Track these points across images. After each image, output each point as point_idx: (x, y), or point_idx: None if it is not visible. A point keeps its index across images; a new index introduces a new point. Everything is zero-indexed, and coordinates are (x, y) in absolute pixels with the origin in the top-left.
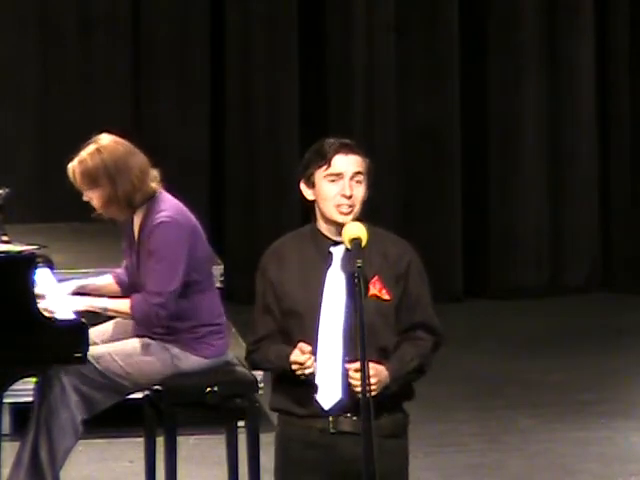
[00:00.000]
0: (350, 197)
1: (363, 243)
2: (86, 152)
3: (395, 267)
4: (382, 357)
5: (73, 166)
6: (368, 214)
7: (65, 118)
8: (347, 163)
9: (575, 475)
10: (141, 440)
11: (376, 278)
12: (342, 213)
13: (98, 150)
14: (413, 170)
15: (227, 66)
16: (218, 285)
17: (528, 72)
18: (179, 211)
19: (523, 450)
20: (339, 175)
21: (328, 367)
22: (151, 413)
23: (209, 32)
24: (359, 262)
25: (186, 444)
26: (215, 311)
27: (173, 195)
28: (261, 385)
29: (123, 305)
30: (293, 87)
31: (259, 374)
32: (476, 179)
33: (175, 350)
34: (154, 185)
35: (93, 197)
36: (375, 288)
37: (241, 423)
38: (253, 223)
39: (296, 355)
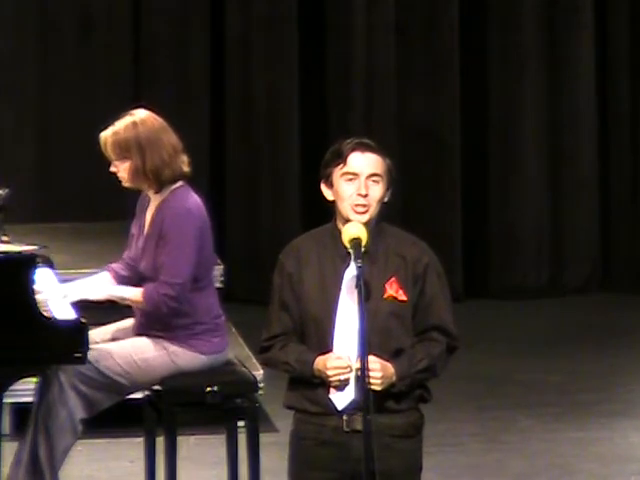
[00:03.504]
0: (366, 196)
1: (363, 243)
2: (121, 123)
3: (413, 268)
4: (396, 358)
5: (106, 136)
6: None
7: (65, 118)
8: (363, 162)
9: (575, 475)
10: (141, 440)
11: (393, 279)
12: (357, 212)
13: (134, 123)
14: (413, 170)
15: (227, 66)
16: (218, 285)
17: (528, 72)
18: (197, 206)
19: (523, 450)
20: (355, 174)
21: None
22: (151, 413)
23: (209, 32)
24: (359, 262)
25: (186, 444)
26: (213, 310)
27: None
28: (261, 385)
29: (137, 294)
30: (293, 87)
31: (259, 374)
32: (476, 179)
33: (173, 347)
34: (184, 167)
35: (121, 169)
36: (392, 289)
37: (241, 423)
38: (253, 223)
39: (336, 362)
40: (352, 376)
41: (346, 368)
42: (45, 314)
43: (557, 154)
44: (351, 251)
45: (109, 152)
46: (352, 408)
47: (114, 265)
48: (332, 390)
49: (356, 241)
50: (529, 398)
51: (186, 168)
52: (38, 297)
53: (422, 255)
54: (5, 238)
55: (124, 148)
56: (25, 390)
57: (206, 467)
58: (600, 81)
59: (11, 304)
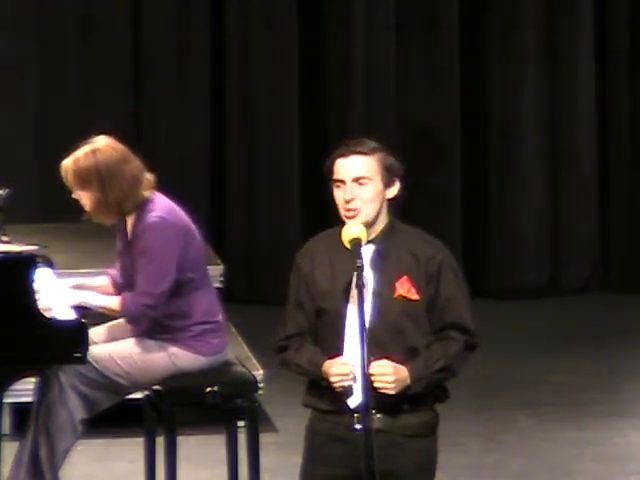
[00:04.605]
0: (350, 201)
1: (363, 243)
2: (81, 152)
3: (426, 267)
4: (411, 357)
5: (67, 164)
6: None
7: (65, 118)
8: (346, 167)
9: (574, 475)
10: (141, 440)
11: (405, 278)
12: (347, 217)
13: (93, 152)
14: (413, 170)
15: (227, 66)
16: (218, 285)
17: (528, 72)
18: (170, 211)
19: (523, 450)
20: (342, 181)
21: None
22: (151, 413)
23: (209, 32)
24: (359, 262)
25: (186, 444)
26: (211, 309)
27: (169, 196)
28: (261, 385)
29: (114, 303)
30: (293, 87)
31: (259, 374)
32: (476, 179)
33: (173, 349)
34: (146, 193)
35: (83, 197)
36: (403, 288)
37: (241, 423)
38: (253, 223)
39: (339, 368)
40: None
41: (348, 374)
42: (45, 314)
43: (557, 154)
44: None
45: (70, 181)
46: (364, 406)
47: (112, 271)
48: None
49: (356, 241)
50: (529, 398)
51: (147, 193)
52: (38, 297)
53: (435, 253)
54: (5, 238)
55: (84, 178)
56: (25, 390)
57: (206, 467)
58: (600, 81)
59: (11, 304)
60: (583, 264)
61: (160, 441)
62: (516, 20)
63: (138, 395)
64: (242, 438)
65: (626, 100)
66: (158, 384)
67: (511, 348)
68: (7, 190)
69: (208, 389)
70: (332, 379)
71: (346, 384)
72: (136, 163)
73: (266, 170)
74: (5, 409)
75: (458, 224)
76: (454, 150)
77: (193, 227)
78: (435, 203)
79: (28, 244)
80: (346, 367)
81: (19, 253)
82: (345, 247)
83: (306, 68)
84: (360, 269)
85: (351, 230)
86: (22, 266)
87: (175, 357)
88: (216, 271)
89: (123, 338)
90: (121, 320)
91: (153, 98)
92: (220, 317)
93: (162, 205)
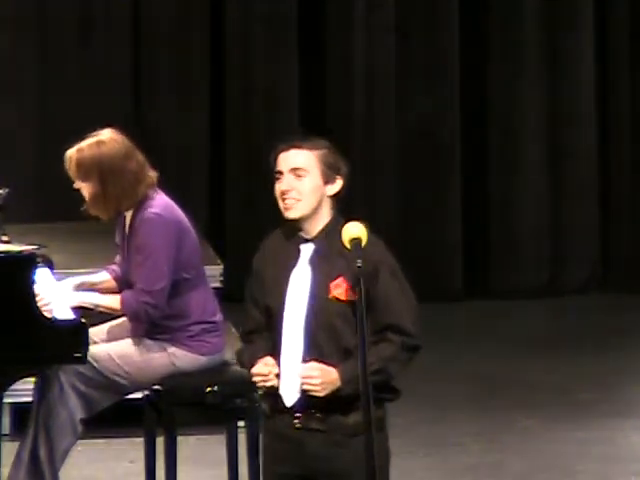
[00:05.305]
0: (286, 192)
1: (363, 243)
2: (86, 143)
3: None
4: (345, 358)
5: (71, 153)
6: (367, 214)
7: (65, 118)
8: (284, 160)
9: (575, 475)
10: (141, 440)
11: (341, 279)
12: (285, 210)
13: (98, 144)
14: (412, 170)
15: (227, 66)
16: (218, 285)
17: (528, 72)
18: (166, 208)
19: (523, 450)
20: (280, 173)
21: (289, 365)
22: (151, 413)
23: (209, 32)
24: (359, 262)
25: (186, 444)
26: (208, 309)
27: (169, 195)
28: None
29: (114, 301)
30: (293, 87)
31: None
32: (476, 179)
33: (172, 349)
34: (146, 190)
35: (83, 188)
36: (337, 289)
37: (241, 423)
38: (253, 223)
39: (258, 368)
40: (297, 374)
41: (268, 375)
42: (45, 314)
43: (557, 154)
44: (351, 251)
45: (72, 171)
46: (304, 405)
47: (112, 266)
48: (281, 387)
49: (356, 241)
50: (529, 398)
51: (148, 190)
52: (38, 297)
53: (371, 254)
54: (5, 238)
55: (85, 169)
56: (25, 390)
57: (206, 467)
58: (600, 81)
59: (11, 304)
60: (583, 264)
61: (160, 441)
62: (516, 20)
63: (138, 395)
64: (242, 438)
65: (626, 100)
66: (158, 384)
67: (512, 348)
68: (6, 190)
69: (208, 389)
70: (254, 379)
71: (268, 384)
72: (139, 160)
73: (266, 170)
74: (5, 409)
75: (458, 224)
76: (454, 150)
77: (189, 226)
78: (435, 203)
79: (28, 244)
80: (266, 368)
81: (19, 253)
82: (345, 247)
83: (306, 68)
84: (360, 269)
85: (352, 230)
86: (22, 266)
87: (174, 357)
88: (216, 271)
89: (123, 338)
90: (121, 320)
91: (153, 98)
92: (218, 316)
93: (160, 202)
